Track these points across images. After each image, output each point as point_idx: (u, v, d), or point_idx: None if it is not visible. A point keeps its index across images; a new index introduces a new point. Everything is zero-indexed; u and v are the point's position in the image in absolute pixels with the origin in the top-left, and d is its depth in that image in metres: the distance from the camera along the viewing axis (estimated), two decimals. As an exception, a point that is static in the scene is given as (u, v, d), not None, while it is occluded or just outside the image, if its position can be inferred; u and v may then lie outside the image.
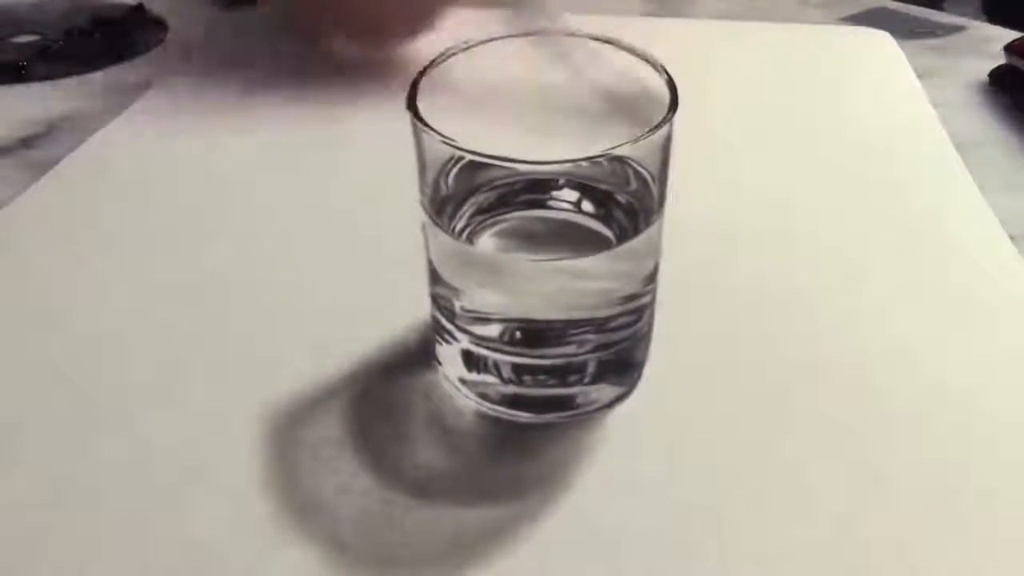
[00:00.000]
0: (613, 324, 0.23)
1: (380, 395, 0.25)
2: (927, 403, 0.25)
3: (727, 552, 0.21)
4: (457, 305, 0.23)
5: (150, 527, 0.21)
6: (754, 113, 0.41)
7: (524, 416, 0.24)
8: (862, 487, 0.22)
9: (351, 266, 0.30)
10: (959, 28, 0.51)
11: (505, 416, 0.24)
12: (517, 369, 0.23)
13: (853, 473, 0.23)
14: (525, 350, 0.23)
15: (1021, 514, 0.22)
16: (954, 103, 0.41)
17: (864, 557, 0.21)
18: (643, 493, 0.22)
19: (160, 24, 0.49)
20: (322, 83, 0.43)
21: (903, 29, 0.48)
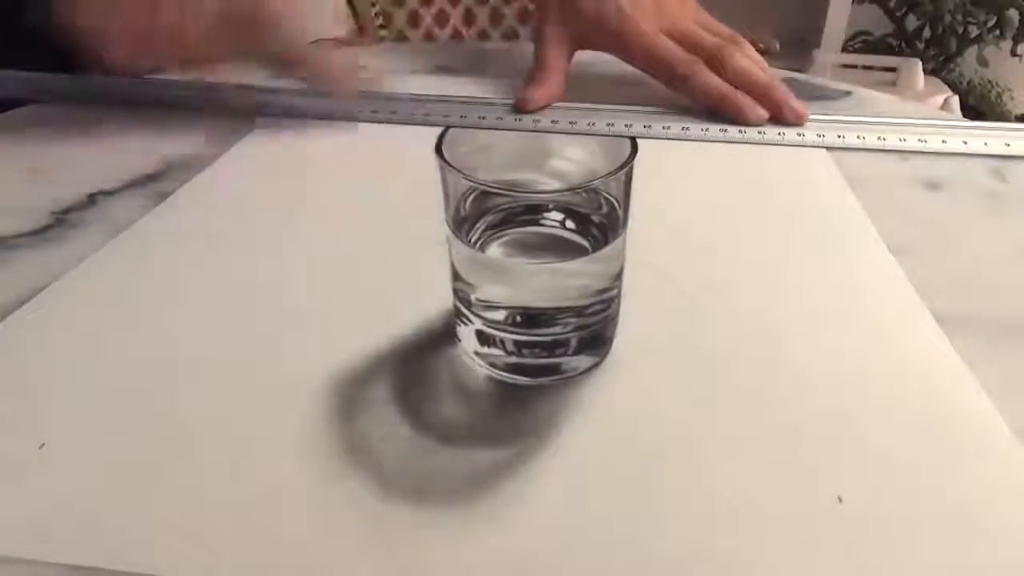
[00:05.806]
0: (590, 310, 0.24)
1: (415, 364, 0.26)
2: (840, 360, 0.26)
3: (685, 483, 0.22)
4: (472, 296, 0.24)
5: (236, 472, 0.22)
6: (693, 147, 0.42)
7: (523, 380, 0.25)
8: (798, 443, 0.23)
9: (395, 267, 0.32)
10: (846, 93, 0.53)
11: (509, 380, 0.25)
12: (518, 344, 0.25)
13: (780, 426, 0.24)
14: (524, 330, 0.24)
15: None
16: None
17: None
18: (613, 437, 0.23)
19: None
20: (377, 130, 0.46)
21: (804, 95, 0.47)
